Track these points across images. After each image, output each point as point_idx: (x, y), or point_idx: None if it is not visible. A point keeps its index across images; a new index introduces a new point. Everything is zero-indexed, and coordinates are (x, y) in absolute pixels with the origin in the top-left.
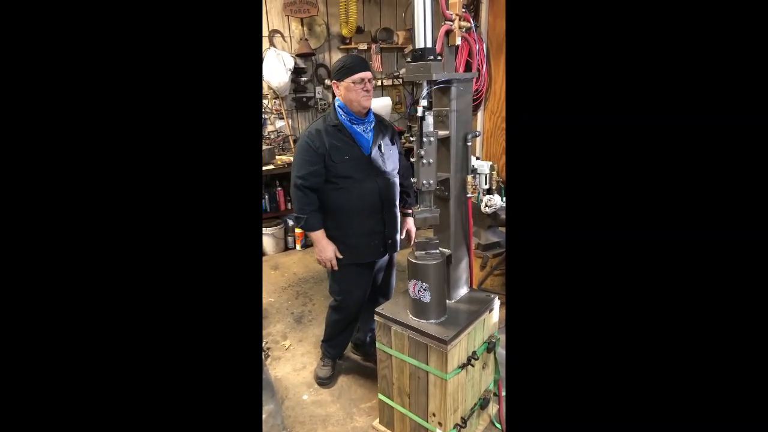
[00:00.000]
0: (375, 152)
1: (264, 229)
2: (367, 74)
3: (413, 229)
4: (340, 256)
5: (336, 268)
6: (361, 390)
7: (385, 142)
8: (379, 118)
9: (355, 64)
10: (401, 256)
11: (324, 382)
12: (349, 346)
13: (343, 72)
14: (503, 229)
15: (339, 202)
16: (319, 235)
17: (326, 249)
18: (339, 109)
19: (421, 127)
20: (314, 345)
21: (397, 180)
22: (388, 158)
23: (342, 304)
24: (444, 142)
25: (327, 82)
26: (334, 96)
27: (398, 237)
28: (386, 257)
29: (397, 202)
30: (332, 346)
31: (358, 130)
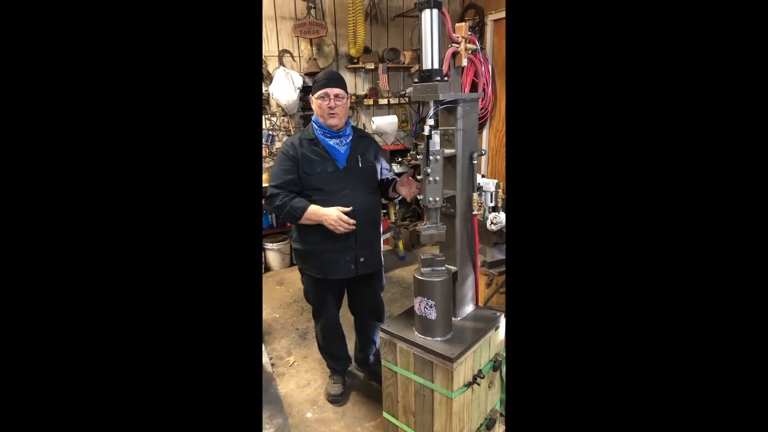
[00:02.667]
0: (351, 166)
1: (269, 244)
2: (333, 90)
3: (411, 180)
4: (347, 209)
5: (351, 222)
6: (366, 408)
7: (365, 158)
8: (361, 134)
9: (322, 79)
10: (407, 273)
11: (336, 399)
12: (354, 364)
13: (313, 87)
14: None
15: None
16: (312, 210)
17: (328, 214)
18: (314, 124)
19: (427, 145)
20: (319, 362)
21: (377, 197)
22: (367, 173)
23: (316, 314)
24: (450, 160)
25: None
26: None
27: (377, 254)
28: (360, 276)
29: (376, 219)
30: (330, 358)
31: (332, 143)
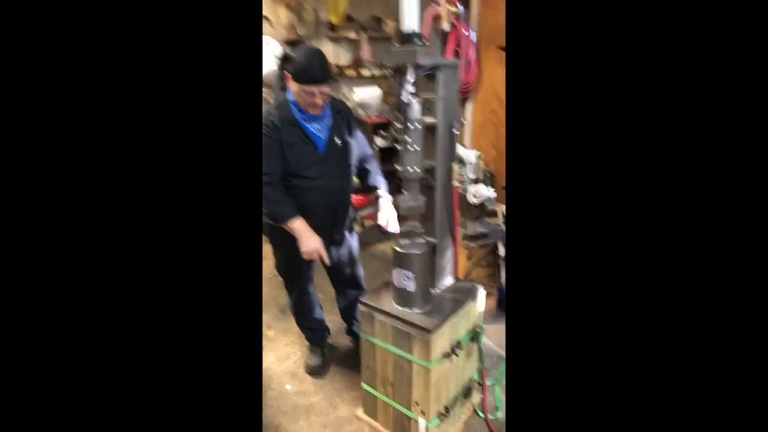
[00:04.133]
0: (330, 150)
1: None
2: (321, 87)
3: (391, 216)
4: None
5: (326, 258)
6: (345, 380)
7: (342, 137)
8: (337, 107)
9: (308, 69)
10: (390, 248)
11: (315, 371)
12: (339, 333)
13: (298, 74)
14: (490, 221)
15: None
16: (298, 225)
17: (311, 239)
18: (292, 105)
19: (406, 113)
20: (298, 336)
21: (351, 174)
22: (345, 155)
23: (289, 286)
24: (430, 129)
25: None
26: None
27: (345, 230)
28: (334, 249)
29: (350, 195)
30: (306, 330)
31: (312, 128)
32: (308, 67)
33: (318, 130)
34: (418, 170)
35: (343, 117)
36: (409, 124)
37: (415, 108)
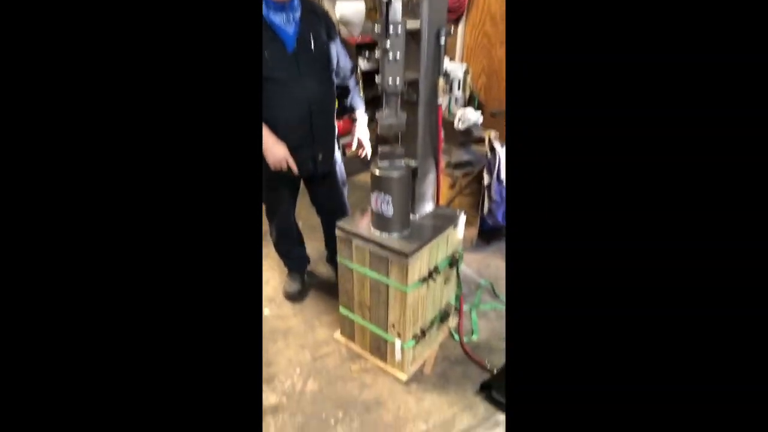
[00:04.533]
0: (301, 48)
1: None
2: None
3: (363, 136)
4: (292, 162)
5: (295, 169)
6: (323, 304)
7: (317, 38)
8: (309, 6)
9: None
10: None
11: (293, 296)
12: (320, 261)
13: None
14: (476, 148)
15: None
16: (264, 131)
17: (274, 147)
18: None
19: (387, 14)
20: (277, 261)
21: (332, 86)
22: (321, 57)
23: (270, 214)
24: (414, 36)
25: None
26: None
27: (335, 152)
28: (319, 174)
29: (332, 111)
30: (286, 258)
31: (277, 21)
32: None
33: (284, 22)
34: (399, 83)
35: (319, 17)
36: (390, 29)
37: (397, 8)
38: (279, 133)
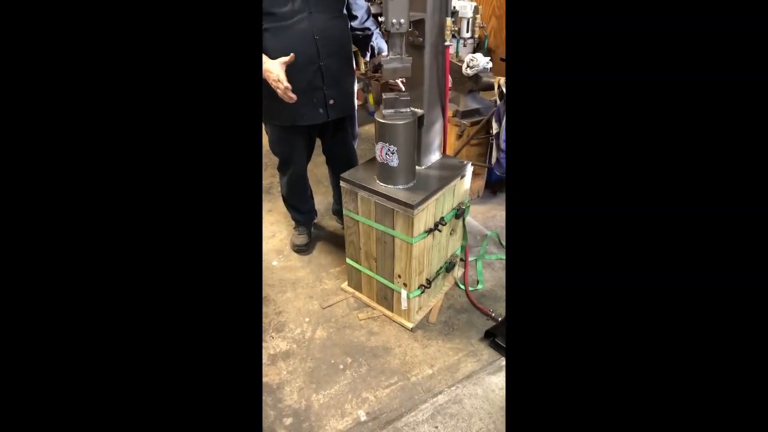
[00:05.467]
0: None
1: None
2: None
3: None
4: (289, 60)
5: (290, 88)
6: (331, 256)
7: None
8: None
9: None
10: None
11: (301, 249)
12: (326, 214)
13: None
14: (484, 95)
15: (265, 50)
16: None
17: (268, 69)
18: None
19: None
20: (284, 215)
21: (343, 22)
22: None
23: (282, 166)
24: None
25: None
26: None
27: (350, 96)
28: (331, 122)
29: (345, 51)
30: (294, 210)
31: None
32: None
33: None
34: (404, 23)
35: None
36: None
37: None
38: (287, 73)
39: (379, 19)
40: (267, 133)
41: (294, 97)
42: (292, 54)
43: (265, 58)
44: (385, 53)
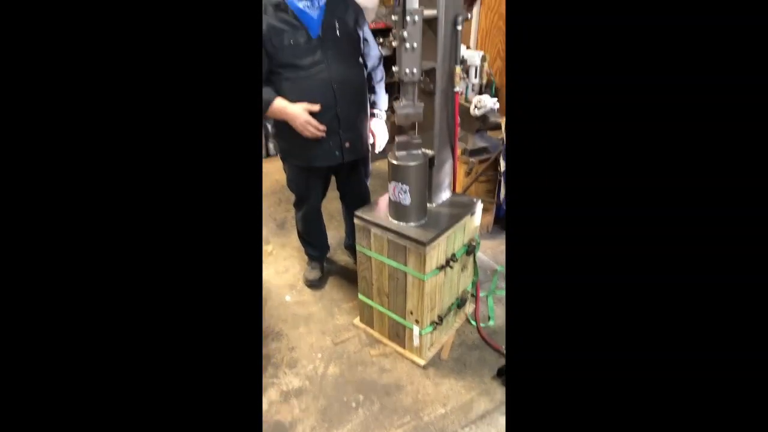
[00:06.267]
0: (327, 34)
1: None
2: None
3: (379, 132)
4: (316, 108)
5: (320, 128)
6: (343, 292)
7: (344, 23)
8: None
9: None
10: (383, 164)
11: (314, 284)
12: (338, 249)
13: None
14: (492, 134)
15: (285, 96)
16: (280, 104)
17: (296, 114)
18: None
19: (404, 3)
20: (297, 250)
21: (360, 70)
22: (348, 42)
23: (298, 202)
24: (430, 24)
25: None
26: None
27: (364, 139)
28: (346, 164)
29: (361, 97)
30: (308, 245)
31: (302, 6)
32: None
33: (308, 7)
34: (417, 72)
35: (347, 3)
36: (407, 17)
37: None
38: None
39: (393, 69)
40: (285, 171)
41: (322, 130)
42: (319, 104)
43: (287, 103)
44: (380, 108)
